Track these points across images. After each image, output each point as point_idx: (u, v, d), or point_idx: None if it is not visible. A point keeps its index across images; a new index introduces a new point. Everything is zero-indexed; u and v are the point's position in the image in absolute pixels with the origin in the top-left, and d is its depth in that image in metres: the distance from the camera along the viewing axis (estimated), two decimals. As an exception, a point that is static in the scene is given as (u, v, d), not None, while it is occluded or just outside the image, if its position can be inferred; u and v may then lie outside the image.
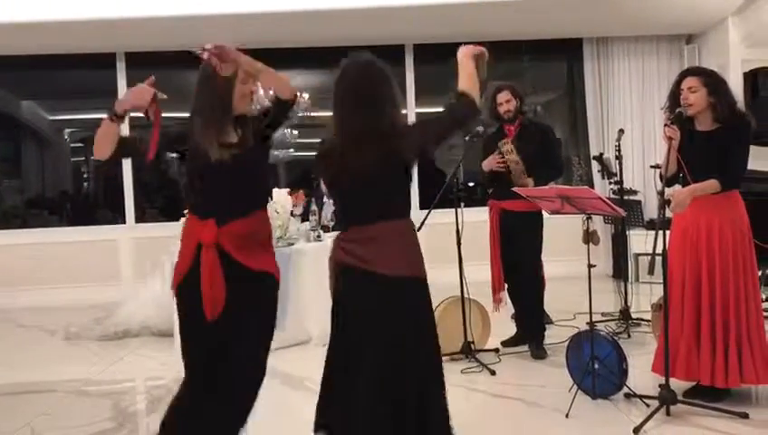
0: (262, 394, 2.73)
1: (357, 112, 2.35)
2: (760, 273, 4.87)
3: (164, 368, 4.12)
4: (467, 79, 2.38)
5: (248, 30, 6.48)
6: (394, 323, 2.34)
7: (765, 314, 4.76)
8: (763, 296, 5.08)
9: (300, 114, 8.57)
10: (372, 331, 2.34)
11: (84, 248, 7.31)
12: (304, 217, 5.59)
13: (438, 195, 4.38)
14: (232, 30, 6.35)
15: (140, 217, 7.75)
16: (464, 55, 2.42)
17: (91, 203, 8.69)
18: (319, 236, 5.30)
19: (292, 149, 10.67)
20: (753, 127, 3.40)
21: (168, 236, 5.83)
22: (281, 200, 5.11)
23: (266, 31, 6.64)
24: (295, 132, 9.75)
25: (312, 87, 8.53)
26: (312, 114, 8.70)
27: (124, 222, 7.62)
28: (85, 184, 9.02)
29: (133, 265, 7.33)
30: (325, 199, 6.42)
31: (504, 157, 4.37)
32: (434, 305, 4.45)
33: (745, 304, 3.28)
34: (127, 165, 7.57)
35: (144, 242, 7.24)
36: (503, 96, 4.44)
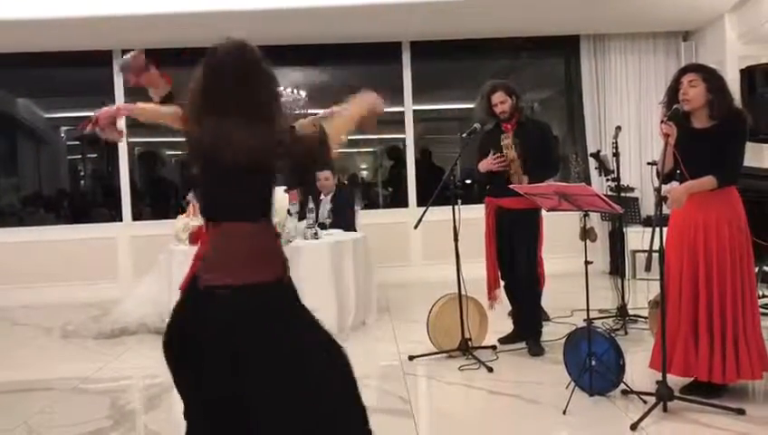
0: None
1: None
2: (757, 269, 4.89)
3: (161, 366, 4.14)
4: (345, 123, 2.31)
5: (244, 27, 6.45)
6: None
7: (761, 310, 4.80)
8: (760, 293, 5.11)
9: (297, 111, 8.57)
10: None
11: (81, 246, 7.30)
12: (302, 216, 5.59)
13: (436, 192, 4.39)
14: (227, 27, 6.32)
15: (137, 215, 7.74)
16: (361, 101, 2.35)
17: (88, 201, 8.69)
18: (316, 234, 5.30)
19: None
20: (750, 124, 3.40)
21: (166, 235, 5.85)
22: (277, 198, 5.10)
23: (262, 28, 6.64)
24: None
25: (309, 84, 8.53)
26: (309, 111, 8.71)
27: (121, 220, 7.61)
28: (81, 182, 9.01)
29: (130, 262, 7.33)
30: (322, 197, 6.44)
31: (503, 152, 4.35)
32: (431, 301, 4.51)
33: (742, 300, 3.28)
34: (123, 163, 7.57)
35: (141, 240, 7.24)
36: (497, 97, 4.42)
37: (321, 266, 5.02)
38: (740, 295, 3.28)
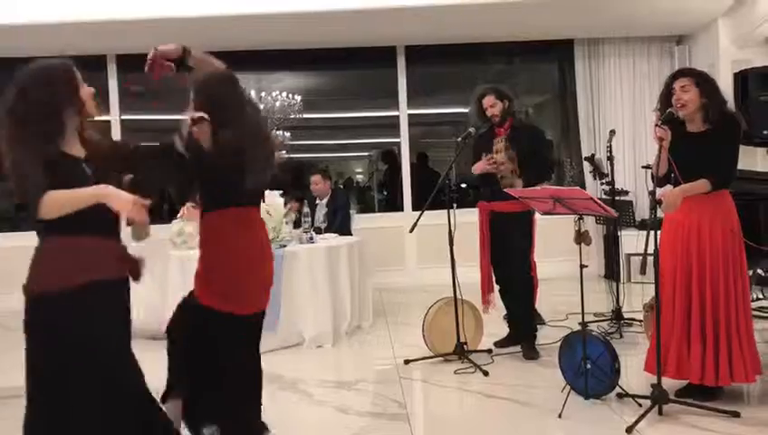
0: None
1: None
2: (750, 272, 4.91)
3: (153, 371, 4.14)
4: None
5: (239, 31, 6.48)
6: None
7: (754, 313, 4.81)
8: (754, 295, 5.12)
9: (292, 116, 8.59)
10: None
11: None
12: (297, 224, 5.59)
13: (431, 196, 4.39)
14: (222, 31, 6.35)
15: (131, 220, 7.70)
16: None
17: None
18: (311, 238, 5.29)
19: (284, 151, 10.68)
20: (743, 128, 3.41)
21: (160, 239, 5.82)
22: (273, 202, 5.10)
23: (257, 32, 6.64)
24: (287, 134, 9.75)
25: (304, 88, 8.54)
26: (304, 116, 8.72)
27: (115, 225, 7.57)
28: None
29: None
30: (318, 201, 6.44)
31: (494, 155, 4.36)
32: (426, 305, 4.51)
33: (735, 303, 3.29)
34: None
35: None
36: (487, 101, 4.44)
37: (317, 271, 5.01)
38: (733, 299, 3.29)
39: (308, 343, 4.93)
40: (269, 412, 2.37)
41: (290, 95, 8.32)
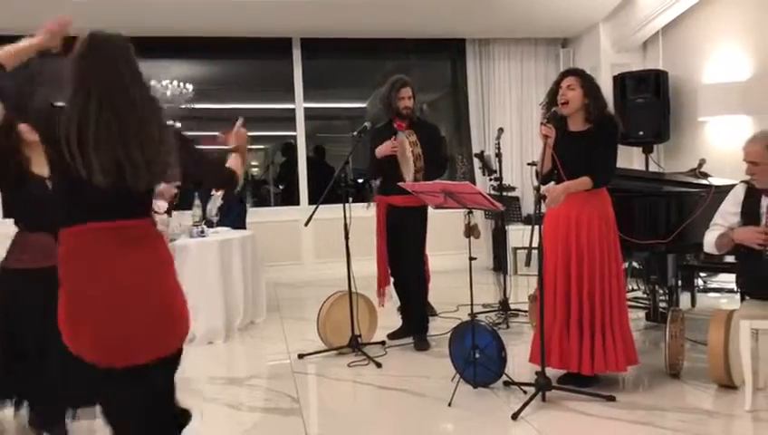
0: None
1: None
2: (626, 265, 5.22)
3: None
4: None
5: (125, 16, 6.20)
6: None
7: (630, 303, 5.12)
8: (630, 287, 5.45)
9: (183, 106, 8.32)
10: None
11: None
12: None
13: (326, 190, 4.39)
14: (107, 15, 6.05)
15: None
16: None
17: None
18: (202, 232, 5.16)
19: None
20: (621, 129, 3.61)
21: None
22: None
23: (146, 18, 6.38)
24: (178, 124, 9.44)
25: (197, 78, 8.30)
26: (195, 106, 8.47)
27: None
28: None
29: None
30: (213, 192, 6.26)
31: (402, 147, 4.39)
32: (322, 300, 4.51)
33: (610, 295, 3.47)
34: None
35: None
36: (406, 91, 4.48)
37: (208, 265, 4.89)
38: (608, 290, 3.47)
39: (198, 339, 4.81)
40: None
41: (181, 84, 8.06)
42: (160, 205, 4.82)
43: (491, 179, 5.72)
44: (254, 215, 6.89)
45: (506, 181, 6.63)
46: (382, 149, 4.45)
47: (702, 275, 5.60)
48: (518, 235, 6.63)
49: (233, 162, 2.38)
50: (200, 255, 4.88)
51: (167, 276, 2.08)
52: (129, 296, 1.96)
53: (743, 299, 3.53)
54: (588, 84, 3.55)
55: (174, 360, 2.11)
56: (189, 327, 2.18)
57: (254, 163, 12.62)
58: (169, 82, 7.76)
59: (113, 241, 1.96)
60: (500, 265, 6.26)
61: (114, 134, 1.91)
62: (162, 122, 2.04)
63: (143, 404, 2.04)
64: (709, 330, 3.48)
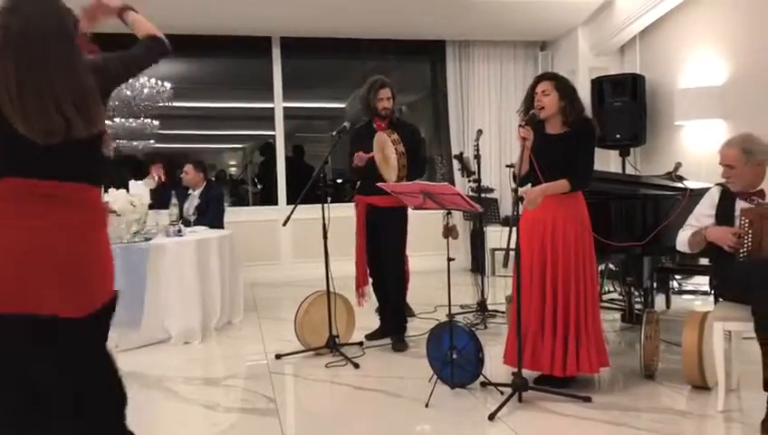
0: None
1: None
2: (603, 267, 5.27)
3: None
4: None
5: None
6: None
7: (605, 305, 5.17)
8: (606, 289, 5.50)
9: (161, 104, 8.25)
10: None
11: None
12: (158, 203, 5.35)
13: (305, 190, 4.37)
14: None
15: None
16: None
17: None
18: (179, 231, 5.11)
19: (153, 141, 10.25)
20: (598, 132, 3.64)
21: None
22: (137, 193, 4.88)
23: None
24: (156, 122, 9.36)
25: (175, 76, 8.22)
26: (174, 104, 8.40)
27: None
28: None
29: None
30: (191, 191, 6.22)
31: (383, 147, 4.38)
32: (300, 300, 4.50)
33: (585, 296, 3.50)
34: None
35: None
36: (385, 92, 4.47)
37: (185, 265, 4.86)
38: (582, 292, 3.49)
39: (174, 339, 4.77)
40: (131, 411, 2.26)
41: (159, 82, 7.98)
42: (113, 199, 4.71)
43: (470, 181, 5.75)
44: (233, 214, 6.84)
45: (485, 183, 6.67)
46: (359, 160, 4.43)
47: (677, 277, 5.67)
48: (496, 236, 6.65)
49: (141, 27, 2.26)
50: (177, 254, 4.84)
51: (86, 240, 1.99)
52: (35, 249, 1.89)
53: (716, 301, 3.58)
54: (563, 88, 3.57)
55: (89, 326, 1.99)
56: (104, 297, 2.03)
57: (232, 163, 12.56)
58: (147, 79, 7.68)
59: (36, 199, 1.91)
60: (478, 266, 6.28)
61: (41, 83, 1.86)
62: (84, 70, 1.96)
63: (60, 369, 1.96)
64: (683, 331, 3.52)
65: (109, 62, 2.08)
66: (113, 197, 4.68)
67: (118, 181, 4.88)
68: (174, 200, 5.47)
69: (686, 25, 6.42)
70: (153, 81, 7.73)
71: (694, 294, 5.73)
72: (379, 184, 4.05)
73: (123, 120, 8.55)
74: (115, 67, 2.10)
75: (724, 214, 3.28)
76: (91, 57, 2.06)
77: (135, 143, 10.03)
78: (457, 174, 7.46)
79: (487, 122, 7.89)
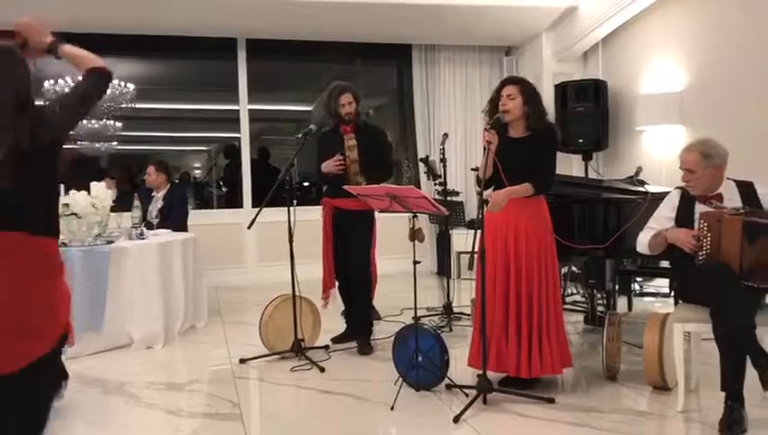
0: (79, 402, 2.52)
1: None
2: (565, 269, 5.34)
3: None
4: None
5: (71, 12, 6.02)
6: None
7: (568, 306, 5.24)
8: (569, 290, 5.57)
9: (124, 105, 8.12)
10: None
11: None
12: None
13: (270, 192, 4.34)
14: (43, 10, 5.86)
15: None
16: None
17: None
18: (142, 234, 5.04)
19: (115, 142, 10.09)
20: (560, 137, 3.68)
21: None
22: (99, 194, 4.79)
23: (90, 14, 6.21)
24: (119, 124, 9.22)
25: (139, 77, 8.12)
26: (137, 105, 8.28)
27: None
28: None
29: None
30: (154, 193, 6.13)
31: (345, 154, 4.38)
32: (265, 304, 4.46)
33: (546, 298, 3.53)
34: None
35: None
36: (346, 98, 4.46)
37: (148, 268, 4.78)
38: (545, 294, 3.53)
39: (137, 343, 4.70)
40: (92, 416, 2.20)
41: (122, 83, 7.87)
42: (73, 202, 4.60)
43: (436, 184, 5.77)
44: (196, 217, 6.76)
45: (451, 186, 6.70)
46: (327, 167, 4.43)
47: (638, 279, 5.77)
48: (461, 239, 6.69)
49: (79, 62, 2.13)
50: (139, 257, 4.77)
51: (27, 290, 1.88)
52: None
53: (676, 303, 3.64)
54: (528, 92, 3.61)
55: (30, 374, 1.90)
56: (49, 344, 1.94)
57: (196, 165, 12.41)
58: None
59: None
60: (444, 268, 6.31)
61: None
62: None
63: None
64: (644, 333, 3.58)
65: (48, 115, 1.97)
66: (74, 199, 4.59)
67: (78, 184, 4.78)
68: (136, 202, 5.38)
69: (647, 33, 6.54)
70: (116, 81, 7.61)
71: (655, 297, 5.83)
72: (345, 187, 4.05)
73: (85, 121, 8.40)
74: (58, 117, 1.98)
75: (683, 217, 3.34)
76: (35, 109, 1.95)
77: (97, 145, 9.87)
78: (423, 177, 7.50)
79: (453, 126, 7.93)
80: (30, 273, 1.90)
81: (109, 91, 7.94)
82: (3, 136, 1.84)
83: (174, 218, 5.92)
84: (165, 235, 5.33)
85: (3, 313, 1.84)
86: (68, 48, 2.13)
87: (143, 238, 4.99)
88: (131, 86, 7.93)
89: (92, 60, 2.12)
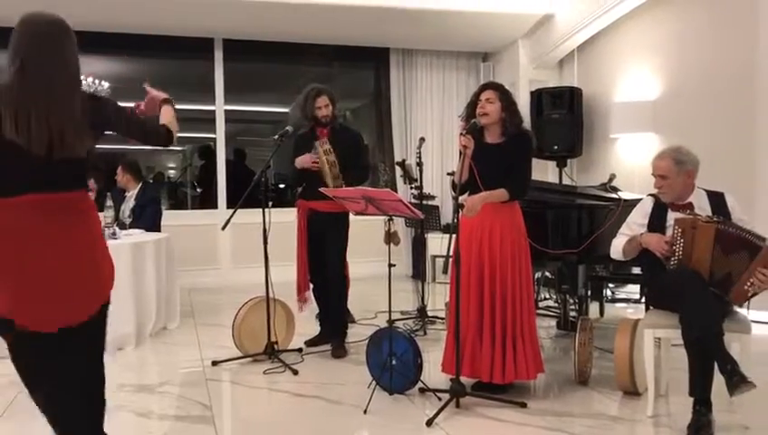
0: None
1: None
2: (539, 274, 5.38)
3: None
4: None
5: (46, 8, 5.93)
6: None
7: (541, 311, 5.28)
8: (543, 296, 5.61)
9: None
10: None
11: None
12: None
13: (245, 193, 4.31)
14: (15, 7, 5.78)
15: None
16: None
17: None
18: (114, 234, 4.97)
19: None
20: (534, 143, 3.71)
21: None
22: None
23: (64, 10, 6.10)
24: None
25: (113, 75, 8.02)
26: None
27: None
28: None
29: None
30: (128, 193, 6.05)
31: (319, 157, 4.37)
32: (238, 306, 4.43)
33: (520, 302, 3.56)
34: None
35: None
36: (322, 100, 4.46)
37: (119, 269, 4.66)
38: (519, 298, 3.55)
39: (108, 345, 4.59)
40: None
41: (96, 81, 7.77)
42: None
43: (412, 188, 5.78)
44: (170, 217, 6.69)
45: (427, 190, 6.72)
46: (302, 161, 4.42)
47: (610, 285, 5.84)
48: (437, 243, 6.72)
49: (164, 118, 2.50)
50: (112, 257, 4.70)
51: (84, 249, 2.12)
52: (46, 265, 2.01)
53: (647, 309, 3.69)
54: (506, 99, 3.64)
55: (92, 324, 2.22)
56: (102, 298, 2.26)
57: (171, 165, 12.30)
58: (84, 78, 7.46)
59: (40, 213, 1.99)
60: (419, 272, 6.32)
61: (39, 102, 1.99)
62: (79, 96, 2.11)
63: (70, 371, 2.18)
64: (615, 339, 3.62)
65: (110, 110, 2.22)
66: None
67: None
68: (109, 202, 5.32)
69: (622, 42, 6.63)
70: (91, 79, 7.52)
71: (626, 302, 5.91)
72: (321, 189, 4.04)
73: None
74: (116, 118, 2.25)
75: (656, 223, 3.39)
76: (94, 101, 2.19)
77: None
78: (400, 181, 7.52)
79: (429, 130, 7.96)
80: (96, 223, 2.19)
81: (83, 89, 7.84)
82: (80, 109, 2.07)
83: (146, 218, 5.85)
84: (138, 235, 5.27)
85: (87, 258, 2.12)
86: (168, 108, 2.60)
87: (116, 238, 4.93)
88: (106, 84, 7.82)
89: (173, 123, 2.49)
